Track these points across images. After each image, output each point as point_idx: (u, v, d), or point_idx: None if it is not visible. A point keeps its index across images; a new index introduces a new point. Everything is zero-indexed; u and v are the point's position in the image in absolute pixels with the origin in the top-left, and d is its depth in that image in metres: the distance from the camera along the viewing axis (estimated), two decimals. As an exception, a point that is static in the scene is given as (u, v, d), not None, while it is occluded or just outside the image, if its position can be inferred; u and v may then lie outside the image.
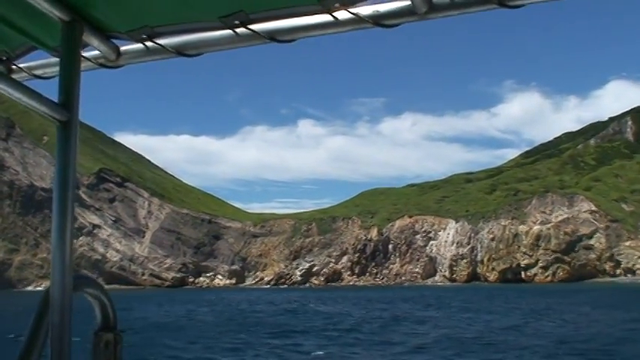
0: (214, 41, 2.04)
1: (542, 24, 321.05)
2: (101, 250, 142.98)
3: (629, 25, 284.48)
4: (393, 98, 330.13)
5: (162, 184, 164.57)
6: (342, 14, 1.86)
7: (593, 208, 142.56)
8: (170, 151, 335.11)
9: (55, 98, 1.94)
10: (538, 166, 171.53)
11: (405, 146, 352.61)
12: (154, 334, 36.17)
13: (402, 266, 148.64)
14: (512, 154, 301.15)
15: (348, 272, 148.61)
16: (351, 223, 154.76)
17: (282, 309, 61.39)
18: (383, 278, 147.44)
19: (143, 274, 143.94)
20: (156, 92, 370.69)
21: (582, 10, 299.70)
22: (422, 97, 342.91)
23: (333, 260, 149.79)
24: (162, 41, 2.07)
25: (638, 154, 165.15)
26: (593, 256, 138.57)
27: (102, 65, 2.20)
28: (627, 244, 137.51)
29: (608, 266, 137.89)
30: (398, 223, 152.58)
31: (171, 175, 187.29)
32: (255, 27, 1.95)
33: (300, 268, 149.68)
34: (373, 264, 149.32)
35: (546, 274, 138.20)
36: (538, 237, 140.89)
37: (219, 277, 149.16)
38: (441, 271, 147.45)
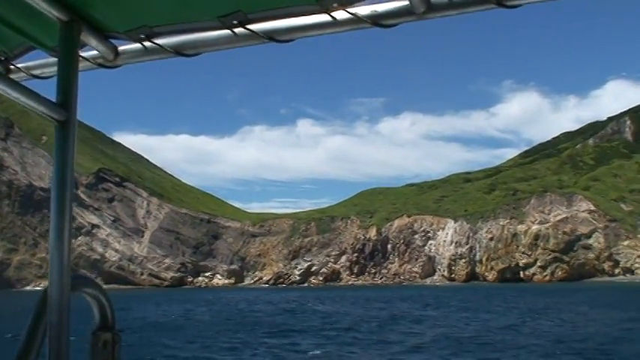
0: (213, 41, 2.04)
1: (541, 24, 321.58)
2: (100, 249, 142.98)
3: (628, 25, 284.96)
4: (392, 98, 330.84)
5: (161, 184, 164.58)
6: (340, 14, 1.86)
7: (592, 207, 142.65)
8: (169, 150, 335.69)
9: (53, 98, 1.94)
10: (537, 166, 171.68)
11: (404, 146, 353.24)
12: (152, 334, 36.20)
13: (400, 266, 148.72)
14: (511, 153, 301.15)
15: (347, 272, 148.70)
16: (350, 223, 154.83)
17: (281, 308, 61.41)
18: (382, 278, 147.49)
19: (142, 274, 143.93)
20: (155, 92, 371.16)
21: (581, 9, 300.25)
22: (421, 96, 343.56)
23: (332, 260, 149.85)
24: (160, 41, 2.07)
25: (636, 154, 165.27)
26: (591, 255, 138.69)
27: (100, 65, 2.20)
28: (626, 243, 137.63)
29: (606, 266, 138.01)
30: (397, 223, 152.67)
31: (170, 175, 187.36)
32: (253, 27, 1.94)
33: (299, 267, 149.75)
34: (372, 264, 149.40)
35: (545, 273, 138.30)
36: (537, 236, 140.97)
37: (218, 276, 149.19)
38: (439, 270, 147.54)
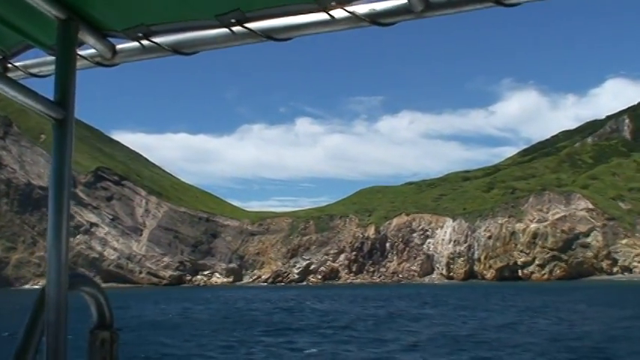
0: (210, 40, 2.03)
1: (539, 22, 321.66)
2: (99, 248, 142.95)
3: (628, 24, 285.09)
4: (390, 97, 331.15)
5: (159, 183, 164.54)
6: (338, 12, 1.85)
7: (590, 206, 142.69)
8: (168, 149, 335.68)
9: (51, 96, 1.93)
10: (535, 165, 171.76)
11: (403, 144, 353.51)
12: (149, 332, 36.24)
13: (399, 264, 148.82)
14: (509, 152, 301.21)
15: (346, 270, 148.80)
16: (349, 222, 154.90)
17: (279, 307, 61.46)
18: (380, 276, 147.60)
19: (141, 273, 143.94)
20: (154, 90, 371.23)
21: (580, 8, 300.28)
22: (419, 95, 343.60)
23: (331, 258, 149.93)
24: (158, 39, 2.06)
25: (635, 153, 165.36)
26: (590, 254, 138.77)
27: (98, 64, 2.20)
28: (624, 242, 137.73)
29: (605, 264, 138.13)
30: (395, 222, 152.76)
31: (169, 174, 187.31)
32: (251, 25, 1.93)
33: (298, 266, 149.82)
34: (370, 262, 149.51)
35: (543, 272, 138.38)
36: (535, 235, 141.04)
37: (217, 275, 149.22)
38: (438, 269, 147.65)
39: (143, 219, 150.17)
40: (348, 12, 1.84)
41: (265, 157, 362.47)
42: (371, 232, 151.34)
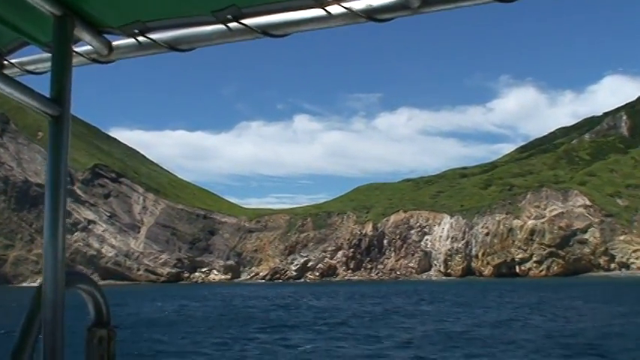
0: (207, 36, 2.01)
1: (537, 18, 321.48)
2: (96, 245, 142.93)
3: (625, 20, 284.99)
4: (388, 93, 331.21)
5: (157, 180, 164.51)
6: (335, 9, 1.84)
7: (588, 202, 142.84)
8: (166, 146, 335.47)
9: (47, 93, 1.92)
10: (533, 161, 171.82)
11: (401, 141, 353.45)
12: (145, 330, 36.25)
13: (396, 261, 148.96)
14: (507, 148, 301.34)
15: (343, 267, 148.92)
16: (346, 218, 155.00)
17: (275, 304, 61.50)
18: (378, 273, 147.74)
19: (138, 270, 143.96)
20: (151, 88, 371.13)
21: (578, 4, 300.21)
22: (417, 92, 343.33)
23: (328, 255, 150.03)
24: (154, 36, 2.05)
25: (632, 149, 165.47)
26: (587, 250, 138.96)
27: (94, 60, 2.18)
28: (621, 238, 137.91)
29: (602, 260, 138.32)
30: (393, 218, 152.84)
31: (166, 171, 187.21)
32: (247, 21, 1.92)
33: (296, 263, 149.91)
34: (368, 259, 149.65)
35: (541, 268, 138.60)
36: (532, 231, 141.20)
37: (215, 272, 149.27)
38: (435, 265, 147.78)
39: (141, 216, 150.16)
40: (345, 8, 1.83)
41: (263, 153, 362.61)
42: (368, 228, 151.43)
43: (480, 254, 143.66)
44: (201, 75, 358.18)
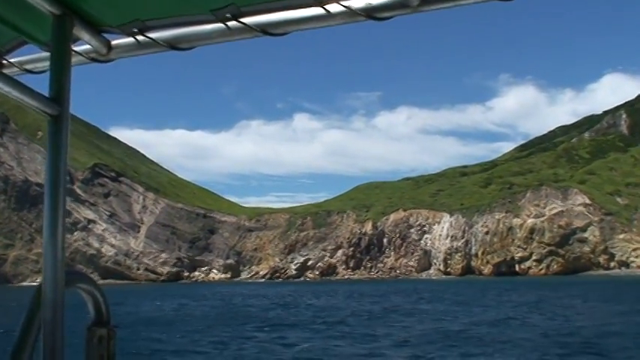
0: (206, 35, 2.01)
1: (537, 17, 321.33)
2: (96, 244, 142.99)
3: (626, 18, 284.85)
4: (388, 92, 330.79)
5: (157, 179, 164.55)
6: (334, 7, 1.83)
7: (587, 201, 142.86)
8: (165, 145, 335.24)
9: (46, 93, 1.92)
10: (532, 160, 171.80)
11: (401, 140, 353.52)
12: (143, 328, 36.26)
13: (396, 260, 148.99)
14: (507, 147, 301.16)
15: (343, 266, 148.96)
16: (346, 217, 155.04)
17: (274, 303, 61.55)
18: (378, 272, 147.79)
19: (138, 269, 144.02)
20: (151, 87, 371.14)
21: (578, 3, 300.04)
22: (417, 90, 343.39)
23: (328, 254, 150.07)
24: (153, 35, 2.04)
25: (632, 148, 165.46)
26: (587, 249, 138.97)
27: (93, 59, 2.18)
28: (621, 237, 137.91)
29: (602, 259, 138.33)
30: (392, 217, 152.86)
31: (166, 170, 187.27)
32: (247, 20, 1.91)
33: (295, 262, 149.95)
34: (368, 258, 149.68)
35: (540, 267, 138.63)
36: (532, 230, 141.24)
37: (215, 271, 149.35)
38: (435, 264, 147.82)
39: (140, 215, 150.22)
40: (344, 6, 1.82)
41: (263, 152, 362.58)
42: (368, 227, 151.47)
43: (479, 253, 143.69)
44: (200, 74, 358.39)
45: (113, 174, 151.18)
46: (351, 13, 1.82)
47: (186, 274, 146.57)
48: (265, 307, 55.29)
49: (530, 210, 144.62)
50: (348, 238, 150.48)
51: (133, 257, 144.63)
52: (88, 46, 2.13)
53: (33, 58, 2.22)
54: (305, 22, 1.90)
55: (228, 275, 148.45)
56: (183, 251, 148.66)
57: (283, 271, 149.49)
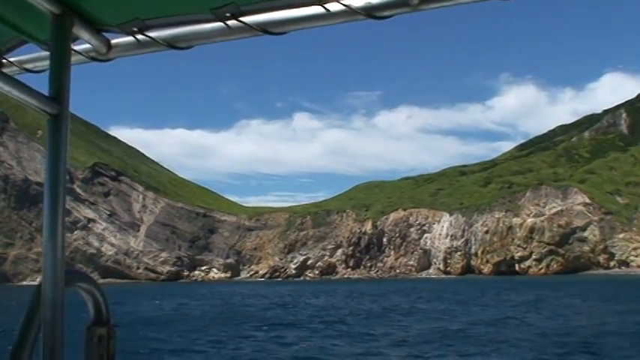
0: (206, 34, 2.00)
1: (537, 16, 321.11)
2: (96, 244, 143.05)
3: (626, 17, 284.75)
4: (388, 91, 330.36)
5: (157, 178, 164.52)
6: (334, 6, 1.83)
7: (587, 200, 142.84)
8: (165, 145, 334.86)
9: (45, 92, 1.92)
10: (532, 159, 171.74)
11: (401, 139, 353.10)
12: (141, 328, 36.31)
13: (396, 259, 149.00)
14: (507, 146, 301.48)
15: (343, 265, 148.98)
16: (346, 217, 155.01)
17: (273, 302, 61.58)
18: (377, 271, 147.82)
19: (138, 268, 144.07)
20: (151, 86, 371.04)
21: (578, 1, 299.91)
22: (417, 90, 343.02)
23: (328, 253, 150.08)
24: (153, 34, 2.04)
25: (632, 147, 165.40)
26: (587, 248, 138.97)
27: (92, 58, 2.17)
28: (621, 236, 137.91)
29: (602, 258, 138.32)
30: (392, 216, 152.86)
31: (166, 169, 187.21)
32: (246, 19, 1.91)
33: (295, 261, 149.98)
34: (367, 257, 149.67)
35: (540, 266, 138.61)
36: (532, 229, 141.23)
37: (214, 270, 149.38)
38: (435, 263, 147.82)
39: (140, 215, 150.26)
40: (344, 5, 1.82)
41: (263, 152, 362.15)
42: (368, 227, 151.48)
43: (479, 252, 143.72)
44: (200, 73, 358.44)
45: (113, 173, 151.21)
46: (350, 11, 1.82)
47: (186, 273, 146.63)
48: (263, 307, 55.34)
49: (530, 209, 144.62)
50: (348, 238, 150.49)
51: (132, 256, 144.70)
52: (87, 45, 2.13)
53: (33, 57, 2.21)
54: (305, 21, 1.89)
55: (228, 274, 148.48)
56: (183, 250, 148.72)
57: (283, 270, 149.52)
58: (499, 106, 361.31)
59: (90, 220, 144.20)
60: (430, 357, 24.39)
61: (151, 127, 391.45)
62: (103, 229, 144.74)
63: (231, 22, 1.92)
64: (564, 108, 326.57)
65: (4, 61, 2.19)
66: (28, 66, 2.23)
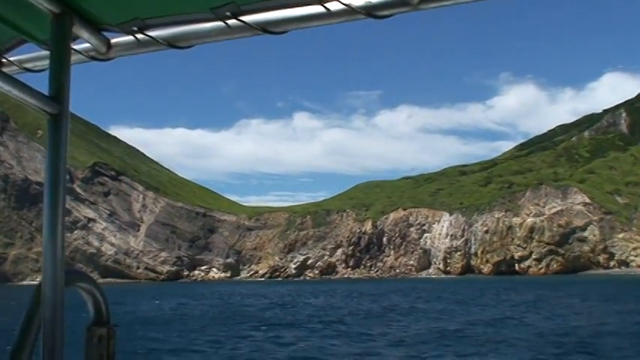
0: (205, 33, 2.00)
1: (538, 16, 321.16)
2: (96, 243, 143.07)
3: (625, 17, 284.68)
4: (388, 91, 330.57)
5: (157, 178, 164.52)
6: (334, 5, 1.83)
7: (587, 200, 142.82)
8: (165, 144, 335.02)
9: (45, 91, 1.92)
10: (532, 159, 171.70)
11: (401, 139, 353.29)
12: (140, 327, 36.33)
13: (396, 259, 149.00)
14: (507, 146, 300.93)
15: (343, 265, 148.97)
16: (346, 216, 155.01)
17: (272, 302, 61.60)
18: (377, 271, 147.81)
19: (138, 268, 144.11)
20: (151, 85, 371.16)
21: (578, 1, 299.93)
22: (417, 89, 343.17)
23: (328, 253, 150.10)
24: (153, 33, 2.04)
25: (632, 147, 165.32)
26: (586, 248, 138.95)
27: (92, 58, 2.18)
28: (621, 236, 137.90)
29: (601, 258, 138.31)
30: (392, 216, 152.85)
31: (166, 169, 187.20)
32: (246, 18, 1.91)
33: (295, 261, 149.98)
34: (367, 257, 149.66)
35: (540, 266, 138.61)
36: (532, 229, 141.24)
37: (214, 270, 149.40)
38: (435, 263, 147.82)
39: (140, 214, 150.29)
40: (344, 4, 1.81)
41: (263, 151, 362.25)
42: (368, 226, 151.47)
43: (479, 252, 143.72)
44: (200, 73, 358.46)
45: (113, 173, 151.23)
46: (351, 11, 1.82)
47: (185, 273, 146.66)
48: (263, 307, 55.34)
49: (530, 209, 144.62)
50: (348, 237, 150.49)
51: (132, 256, 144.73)
52: (87, 45, 2.13)
53: (32, 56, 2.22)
54: (305, 20, 1.89)
55: (228, 274, 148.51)
56: (183, 250, 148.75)
57: (283, 270, 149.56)
58: (499, 106, 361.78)
59: (90, 219, 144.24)
60: (427, 357, 24.40)
61: (151, 127, 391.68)
62: (102, 229, 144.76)
63: (231, 22, 1.92)
64: (564, 108, 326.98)
65: (4, 60, 2.20)
66: (28, 65, 2.23)
